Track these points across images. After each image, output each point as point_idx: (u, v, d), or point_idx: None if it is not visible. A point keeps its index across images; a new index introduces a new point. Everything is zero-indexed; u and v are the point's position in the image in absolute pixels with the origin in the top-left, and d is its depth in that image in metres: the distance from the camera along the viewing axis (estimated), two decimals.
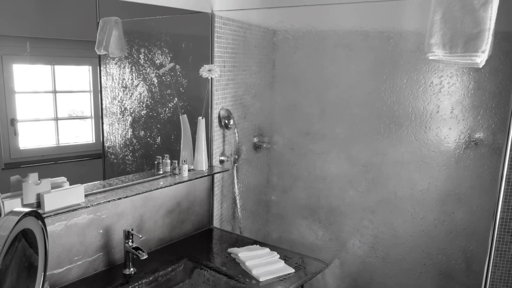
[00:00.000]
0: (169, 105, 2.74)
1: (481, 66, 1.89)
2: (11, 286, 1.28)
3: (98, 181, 2.31)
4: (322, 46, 3.21)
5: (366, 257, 3.21)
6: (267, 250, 2.50)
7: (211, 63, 2.79)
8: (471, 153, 2.84)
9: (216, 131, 2.94)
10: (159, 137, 2.74)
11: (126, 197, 2.18)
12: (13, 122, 2.00)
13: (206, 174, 2.70)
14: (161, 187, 2.40)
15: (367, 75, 3.09)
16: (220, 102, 2.93)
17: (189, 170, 2.65)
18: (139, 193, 2.27)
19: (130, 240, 2.16)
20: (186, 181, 2.56)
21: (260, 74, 3.39)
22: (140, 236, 2.21)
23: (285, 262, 2.37)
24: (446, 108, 2.85)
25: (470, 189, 2.89)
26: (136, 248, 2.12)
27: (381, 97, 2.98)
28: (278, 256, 2.44)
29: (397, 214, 3.07)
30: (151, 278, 2.23)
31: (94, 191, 2.16)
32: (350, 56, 3.13)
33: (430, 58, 1.96)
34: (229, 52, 3.00)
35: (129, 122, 2.59)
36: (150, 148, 2.70)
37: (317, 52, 3.24)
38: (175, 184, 2.48)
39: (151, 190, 2.34)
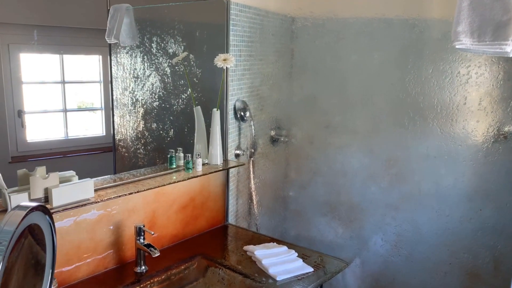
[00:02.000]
0: (183, 96, 2.74)
1: (511, 55, 1.85)
2: (18, 284, 1.28)
3: (109, 176, 2.31)
4: (343, 34, 3.18)
5: (389, 256, 3.19)
6: (285, 248, 2.48)
7: (226, 52, 2.77)
8: (500, 147, 2.80)
9: (232, 123, 2.92)
10: (172, 130, 2.74)
11: (137, 192, 2.18)
12: (20, 113, 2.00)
13: (221, 168, 2.69)
14: (174, 182, 2.40)
15: (390, 65, 3.06)
16: (235, 93, 2.91)
17: (203, 164, 2.63)
18: (151, 188, 2.26)
19: (142, 237, 2.15)
20: (200, 175, 2.54)
21: (277, 64, 3.37)
22: (152, 232, 2.20)
23: (303, 261, 2.35)
24: (473, 100, 2.81)
25: (498, 185, 2.85)
26: (148, 245, 2.11)
27: (405, 88, 2.94)
28: (296, 254, 2.42)
29: (422, 211, 3.04)
30: (163, 277, 2.23)
31: (105, 185, 2.15)
32: (373, 45, 3.09)
33: (457, 47, 1.92)
34: (245, 41, 2.98)
35: (140, 114, 2.58)
36: (162, 141, 2.70)
37: (338, 40, 3.21)
38: (188, 178, 2.47)
39: (164, 185, 2.33)
